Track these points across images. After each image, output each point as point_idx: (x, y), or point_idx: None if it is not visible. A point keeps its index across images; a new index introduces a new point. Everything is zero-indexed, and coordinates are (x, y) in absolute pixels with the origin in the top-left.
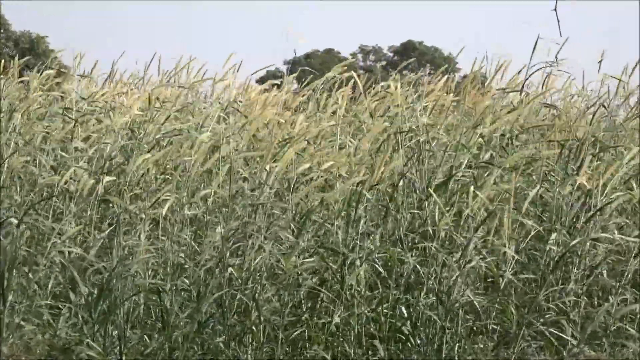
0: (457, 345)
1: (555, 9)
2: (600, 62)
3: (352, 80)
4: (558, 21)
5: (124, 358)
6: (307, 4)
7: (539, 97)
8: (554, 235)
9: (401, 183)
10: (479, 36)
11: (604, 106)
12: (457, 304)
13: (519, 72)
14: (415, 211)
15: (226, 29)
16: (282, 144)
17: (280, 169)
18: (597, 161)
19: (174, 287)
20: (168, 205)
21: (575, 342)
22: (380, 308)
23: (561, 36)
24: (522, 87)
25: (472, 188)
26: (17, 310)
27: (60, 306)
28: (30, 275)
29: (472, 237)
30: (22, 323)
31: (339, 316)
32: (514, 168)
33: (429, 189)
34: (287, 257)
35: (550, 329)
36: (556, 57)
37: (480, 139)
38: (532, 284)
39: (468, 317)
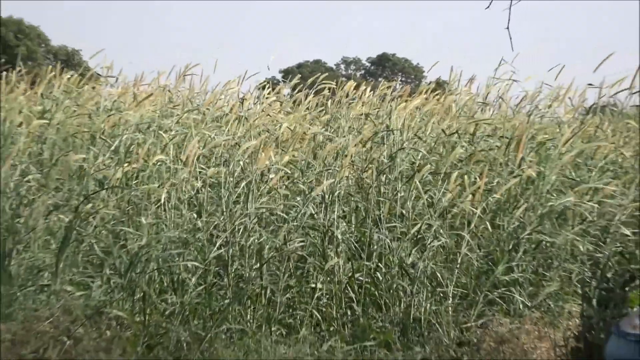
0: (422, 307)
1: (507, 27)
2: (552, 70)
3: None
4: (510, 38)
5: (146, 317)
6: (300, 22)
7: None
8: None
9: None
10: (444, 49)
11: (537, 106)
12: (423, 275)
13: (470, 80)
14: (386, 199)
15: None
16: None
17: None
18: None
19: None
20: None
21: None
22: (355, 276)
23: (513, 50)
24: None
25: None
26: (62, 278)
27: (94, 274)
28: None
29: (436, 220)
30: (67, 288)
31: (321, 283)
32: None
33: (400, 180)
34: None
35: (502, 295)
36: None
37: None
38: (487, 258)
39: (433, 285)
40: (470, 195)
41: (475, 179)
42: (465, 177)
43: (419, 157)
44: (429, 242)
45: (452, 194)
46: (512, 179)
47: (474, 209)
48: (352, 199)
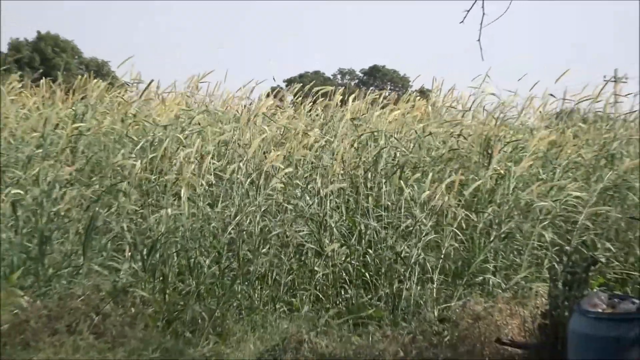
0: (412, 288)
1: (479, 39)
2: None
3: (330, 94)
4: (481, 49)
5: (166, 296)
6: (302, 36)
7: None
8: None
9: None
10: (428, 62)
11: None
12: (415, 262)
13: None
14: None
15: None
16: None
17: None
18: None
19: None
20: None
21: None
22: (348, 260)
23: (483, 60)
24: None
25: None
26: (94, 262)
27: (120, 259)
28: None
29: (418, 214)
30: (97, 268)
31: (318, 266)
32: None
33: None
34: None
35: (480, 279)
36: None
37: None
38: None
39: (420, 270)
40: (446, 190)
41: (452, 174)
42: (441, 173)
43: (399, 156)
44: (423, 235)
45: (432, 188)
46: (484, 176)
47: (449, 203)
48: (344, 192)
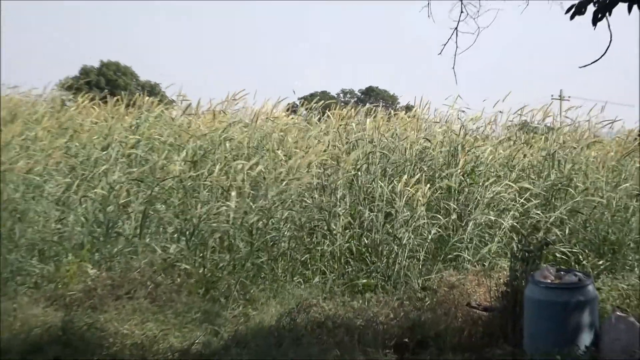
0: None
1: (453, 67)
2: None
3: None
4: (455, 75)
5: (205, 269)
6: (313, 62)
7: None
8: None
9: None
10: (417, 81)
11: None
12: (403, 241)
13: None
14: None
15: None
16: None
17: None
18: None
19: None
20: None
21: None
22: (351, 240)
23: (457, 84)
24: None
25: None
26: (149, 242)
27: (169, 239)
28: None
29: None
30: (153, 247)
31: (327, 246)
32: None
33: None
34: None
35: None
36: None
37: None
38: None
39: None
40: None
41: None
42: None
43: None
44: (415, 221)
45: (405, 182)
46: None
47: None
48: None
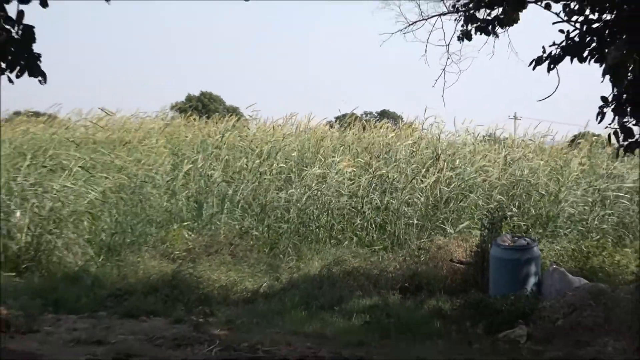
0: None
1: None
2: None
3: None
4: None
5: (270, 235)
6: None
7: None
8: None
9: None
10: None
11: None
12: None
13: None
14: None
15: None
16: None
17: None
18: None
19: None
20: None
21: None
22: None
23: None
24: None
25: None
26: (229, 216)
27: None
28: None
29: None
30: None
31: (359, 220)
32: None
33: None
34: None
35: (440, 225)
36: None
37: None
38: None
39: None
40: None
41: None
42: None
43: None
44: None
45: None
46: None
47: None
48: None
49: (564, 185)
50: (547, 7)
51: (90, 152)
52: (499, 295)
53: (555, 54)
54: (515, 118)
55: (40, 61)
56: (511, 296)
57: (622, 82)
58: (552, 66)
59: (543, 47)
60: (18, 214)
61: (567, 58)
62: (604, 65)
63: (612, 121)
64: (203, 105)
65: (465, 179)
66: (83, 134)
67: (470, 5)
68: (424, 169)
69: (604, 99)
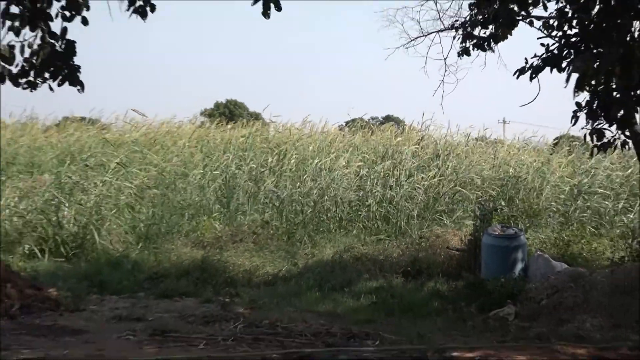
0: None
1: (441, 104)
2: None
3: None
4: (442, 108)
5: (287, 225)
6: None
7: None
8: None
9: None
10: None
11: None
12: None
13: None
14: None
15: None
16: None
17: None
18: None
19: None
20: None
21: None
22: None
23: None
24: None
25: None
26: (253, 209)
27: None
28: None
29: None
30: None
31: (365, 211)
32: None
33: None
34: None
35: (438, 217)
36: None
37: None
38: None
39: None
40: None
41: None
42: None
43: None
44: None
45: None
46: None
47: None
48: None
49: (548, 181)
50: (530, 23)
51: (128, 151)
52: (490, 279)
53: (536, 64)
54: (504, 122)
55: (80, 72)
56: (501, 279)
57: (583, 89)
58: (533, 75)
59: (525, 58)
60: (66, 209)
61: (547, 68)
62: (568, 74)
63: (588, 124)
64: (229, 111)
65: (460, 175)
66: (121, 135)
67: (468, 24)
68: (425, 167)
69: (577, 104)
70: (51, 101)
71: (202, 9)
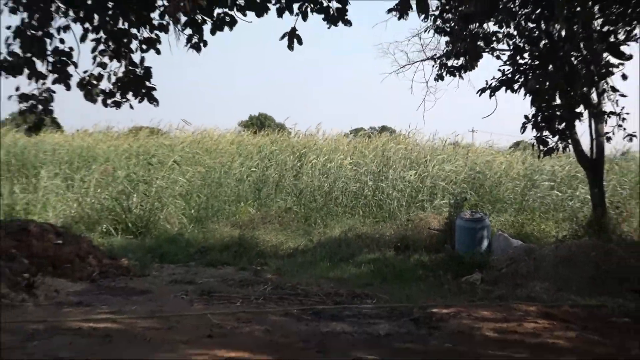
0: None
1: (423, 117)
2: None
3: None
4: (424, 120)
5: (304, 209)
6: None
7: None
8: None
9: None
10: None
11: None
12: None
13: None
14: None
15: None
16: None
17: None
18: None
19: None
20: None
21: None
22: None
23: (424, 125)
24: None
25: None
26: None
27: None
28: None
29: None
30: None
31: (364, 200)
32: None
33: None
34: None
35: (421, 204)
36: None
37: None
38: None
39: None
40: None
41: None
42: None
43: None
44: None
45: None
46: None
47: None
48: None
49: (507, 176)
50: (497, 57)
51: (182, 152)
52: (462, 252)
53: (494, 85)
54: (473, 131)
55: (156, 90)
56: (470, 253)
57: (539, 103)
58: (492, 94)
59: (486, 80)
60: (134, 197)
61: (503, 88)
62: (525, 92)
63: (534, 133)
64: (260, 122)
65: (438, 172)
66: (174, 140)
67: (443, 56)
68: (411, 166)
69: (525, 117)
70: (118, 113)
71: (229, 39)
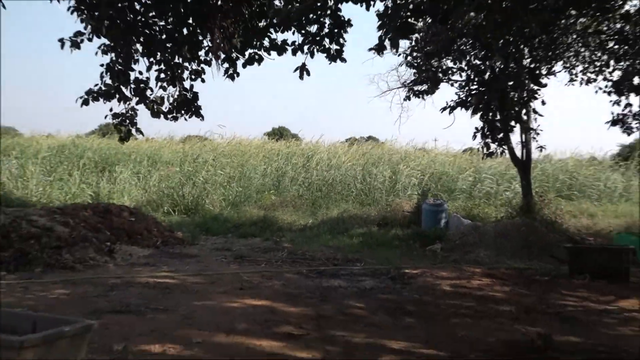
0: (377, 196)
1: (399, 129)
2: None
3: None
4: (399, 131)
5: (313, 197)
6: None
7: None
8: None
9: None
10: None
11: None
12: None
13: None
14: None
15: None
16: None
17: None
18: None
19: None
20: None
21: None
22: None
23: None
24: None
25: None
26: (293, 189)
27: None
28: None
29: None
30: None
31: (355, 190)
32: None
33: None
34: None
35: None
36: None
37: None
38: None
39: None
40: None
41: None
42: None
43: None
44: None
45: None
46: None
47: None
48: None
49: (460, 172)
50: (452, 85)
51: (220, 154)
52: (427, 229)
53: (452, 105)
54: (435, 140)
55: (201, 109)
56: (433, 229)
57: (477, 113)
58: (450, 111)
59: (446, 101)
60: (187, 186)
61: (459, 108)
62: (471, 107)
63: (481, 140)
64: (280, 133)
65: (409, 170)
66: (213, 143)
67: (411, 83)
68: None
69: (476, 128)
70: (175, 125)
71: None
